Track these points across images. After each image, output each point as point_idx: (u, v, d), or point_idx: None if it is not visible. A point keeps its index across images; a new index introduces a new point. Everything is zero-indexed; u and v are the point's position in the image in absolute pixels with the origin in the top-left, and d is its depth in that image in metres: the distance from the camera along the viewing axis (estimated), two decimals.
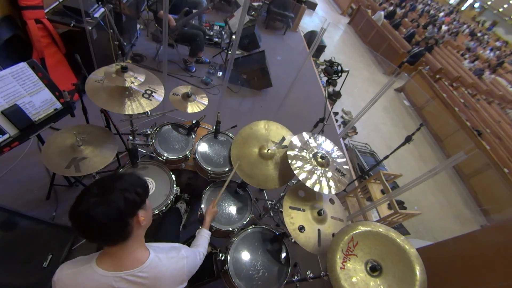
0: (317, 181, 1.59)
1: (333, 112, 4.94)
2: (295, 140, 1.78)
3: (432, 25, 11.68)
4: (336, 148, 1.88)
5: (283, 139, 1.87)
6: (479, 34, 16.59)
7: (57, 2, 2.63)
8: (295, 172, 1.59)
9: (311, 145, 1.79)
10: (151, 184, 1.74)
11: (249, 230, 1.74)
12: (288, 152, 1.67)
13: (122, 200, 0.82)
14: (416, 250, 1.29)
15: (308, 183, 1.56)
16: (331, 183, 1.62)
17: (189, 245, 1.33)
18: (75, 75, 2.73)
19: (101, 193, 0.80)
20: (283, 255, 1.67)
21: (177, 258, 1.00)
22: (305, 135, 1.84)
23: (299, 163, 1.64)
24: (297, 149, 1.72)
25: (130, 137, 2.05)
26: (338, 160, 1.80)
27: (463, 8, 23.68)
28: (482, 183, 4.91)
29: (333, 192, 1.60)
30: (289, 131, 2.00)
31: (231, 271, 1.53)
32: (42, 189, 2.09)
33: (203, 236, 1.43)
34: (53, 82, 1.62)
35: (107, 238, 0.85)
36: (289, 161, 1.62)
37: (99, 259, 0.86)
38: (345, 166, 1.78)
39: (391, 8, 11.46)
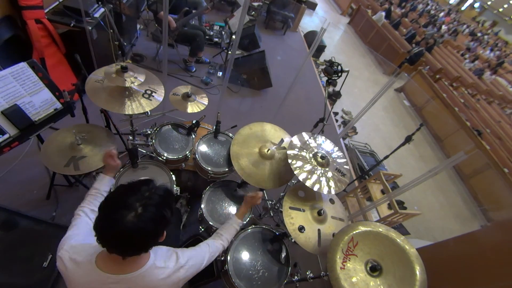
0: (317, 181, 1.59)
1: (333, 112, 4.94)
2: (295, 140, 1.78)
3: (432, 25, 11.67)
4: (336, 148, 1.88)
5: (282, 141, 1.87)
6: (479, 34, 16.58)
7: (57, 2, 2.63)
8: (295, 172, 1.59)
9: (311, 145, 1.79)
10: None
11: (249, 230, 1.74)
12: (288, 152, 1.67)
13: (168, 216, 0.84)
14: (416, 250, 1.29)
15: (308, 183, 1.56)
16: (331, 183, 1.62)
17: (188, 245, 1.30)
18: (75, 75, 2.73)
19: (141, 211, 0.78)
20: (283, 255, 1.67)
21: (174, 268, 0.98)
22: (305, 135, 1.84)
23: (299, 163, 1.64)
24: (297, 149, 1.72)
25: (130, 137, 2.05)
26: (338, 160, 1.80)
27: (463, 8, 23.66)
28: (482, 183, 4.91)
29: (333, 192, 1.60)
30: (286, 133, 2.00)
31: (231, 271, 1.53)
32: (42, 189, 2.09)
33: (232, 226, 1.37)
34: (53, 82, 1.62)
35: (137, 249, 0.84)
36: (289, 161, 1.62)
37: (100, 258, 0.86)
38: (345, 166, 1.78)
39: (390, 7, 11.42)
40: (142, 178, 0.90)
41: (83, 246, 0.91)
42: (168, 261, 0.98)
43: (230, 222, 1.40)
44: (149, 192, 0.82)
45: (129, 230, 0.76)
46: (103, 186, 1.18)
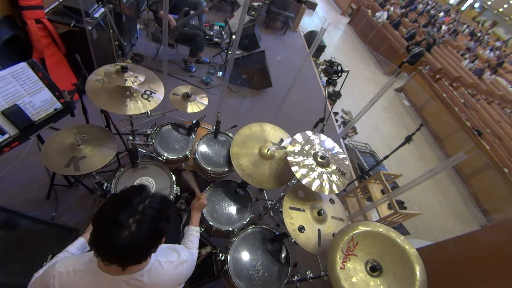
0: (315, 180, 1.58)
1: (333, 112, 4.94)
2: (298, 138, 1.77)
3: (432, 25, 11.67)
4: (336, 146, 1.86)
5: (281, 140, 1.86)
6: (479, 34, 16.57)
7: (57, 2, 2.63)
8: (294, 171, 1.58)
9: (315, 142, 1.78)
10: (151, 184, 1.74)
11: (249, 230, 1.74)
12: (289, 150, 1.67)
13: (163, 230, 0.84)
14: (416, 250, 1.29)
15: (306, 182, 1.55)
16: (330, 183, 1.62)
17: None
18: (75, 75, 2.73)
19: (135, 229, 0.76)
20: (283, 255, 1.67)
21: (177, 263, 1.00)
22: (309, 133, 1.83)
23: (299, 163, 1.63)
24: (298, 147, 1.71)
25: (130, 137, 2.05)
26: (340, 156, 1.78)
27: (463, 8, 23.64)
28: (482, 183, 4.91)
29: (336, 191, 1.59)
30: (286, 133, 2.00)
31: (231, 271, 1.53)
32: (42, 189, 2.09)
33: (193, 235, 1.31)
34: (53, 82, 1.62)
35: (136, 261, 0.84)
36: (289, 159, 1.61)
37: (101, 262, 0.85)
38: (346, 162, 1.77)
39: (391, 8, 11.42)
40: (135, 184, 0.88)
41: (77, 257, 0.92)
42: (170, 256, 1.00)
43: (189, 233, 1.32)
44: (142, 206, 0.79)
45: (124, 247, 0.75)
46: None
